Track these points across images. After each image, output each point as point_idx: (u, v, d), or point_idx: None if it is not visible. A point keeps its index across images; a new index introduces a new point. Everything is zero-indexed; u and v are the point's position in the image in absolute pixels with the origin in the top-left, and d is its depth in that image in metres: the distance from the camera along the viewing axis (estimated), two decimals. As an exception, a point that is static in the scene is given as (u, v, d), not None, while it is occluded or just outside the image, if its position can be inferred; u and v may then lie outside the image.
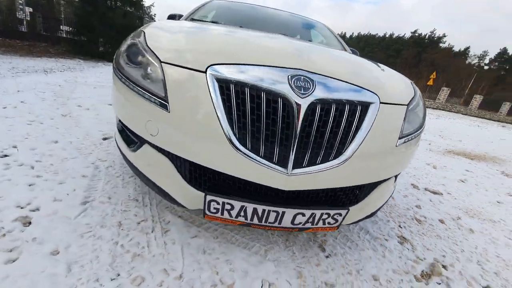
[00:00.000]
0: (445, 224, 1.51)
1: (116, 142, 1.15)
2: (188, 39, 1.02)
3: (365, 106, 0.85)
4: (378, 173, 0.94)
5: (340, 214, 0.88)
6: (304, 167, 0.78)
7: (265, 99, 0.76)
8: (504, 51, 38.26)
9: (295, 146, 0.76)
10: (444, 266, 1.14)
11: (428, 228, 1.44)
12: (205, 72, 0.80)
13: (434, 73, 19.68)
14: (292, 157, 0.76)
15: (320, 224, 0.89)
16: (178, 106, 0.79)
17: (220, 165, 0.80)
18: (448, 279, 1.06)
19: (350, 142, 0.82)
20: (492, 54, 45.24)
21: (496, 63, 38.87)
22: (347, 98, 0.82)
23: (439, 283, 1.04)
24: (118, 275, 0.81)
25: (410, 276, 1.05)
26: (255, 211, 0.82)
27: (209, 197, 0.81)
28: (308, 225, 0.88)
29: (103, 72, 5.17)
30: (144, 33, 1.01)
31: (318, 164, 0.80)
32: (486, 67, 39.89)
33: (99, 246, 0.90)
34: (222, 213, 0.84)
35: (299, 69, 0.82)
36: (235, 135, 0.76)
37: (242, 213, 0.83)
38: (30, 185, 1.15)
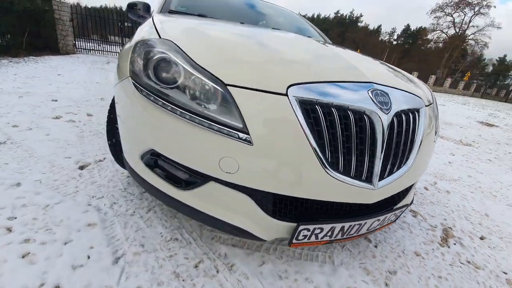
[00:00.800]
0: (430, 191, 1.85)
1: (137, 176, 0.93)
2: (235, 49, 0.86)
3: (418, 111, 0.92)
4: (425, 167, 1.06)
5: (402, 210, 0.97)
6: (385, 178, 0.81)
7: (353, 118, 0.73)
8: (407, 28, 46.49)
9: (381, 161, 0.77)
10: (450, 228, 1.41)
11: (422, 197, 1.73)
12: (286, 94, 0.70)
13: (359, 50, 22.51)
14: (378, 172, 0.78)
15: (386, 223, 0.97)
16: (262, 137, 0.68)
17: (313, 193, 0.74)
18: (459, 239, 1.32)
19: (413, 147, 0.88)
20: (399, 31, 54.32)
21: (402, 38, 47.14)
22: (409, 107, 0.87)
23: (455, 244, 1.29)
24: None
25: (436, 244, 1.27)
26: (342, 228, 0.82)
27: (301, 227, 0.76)
28: (378, 227, 0.94)
29: (18, 73, 3.93)
30: (171, 41, 0.80)
31: (394, 173, 0.84)
32: (395, 42, 47.92)
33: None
34: (310, 238, 0.81)
35: (371, 82, 0.82)
36: (327, 160, 0.72)
37: (329, 233, 0.82)
38: (23, 258, 0.84)
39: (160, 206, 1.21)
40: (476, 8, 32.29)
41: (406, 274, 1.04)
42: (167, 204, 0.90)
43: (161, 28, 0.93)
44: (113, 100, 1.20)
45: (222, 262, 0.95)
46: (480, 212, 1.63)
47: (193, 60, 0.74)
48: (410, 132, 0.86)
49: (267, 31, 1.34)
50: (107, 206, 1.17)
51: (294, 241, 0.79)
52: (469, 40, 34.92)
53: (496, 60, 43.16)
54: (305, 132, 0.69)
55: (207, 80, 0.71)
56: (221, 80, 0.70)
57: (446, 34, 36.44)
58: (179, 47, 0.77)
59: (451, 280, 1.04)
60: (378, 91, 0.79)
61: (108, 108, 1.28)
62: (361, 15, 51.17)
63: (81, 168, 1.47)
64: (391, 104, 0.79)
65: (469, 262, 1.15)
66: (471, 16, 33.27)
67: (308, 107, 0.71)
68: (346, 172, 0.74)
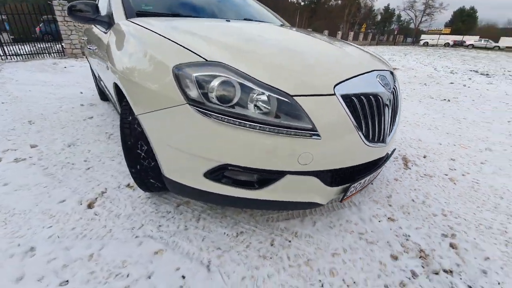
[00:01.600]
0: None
1: (197, 192, 0.99)
2: (275, 60, 0.96)
3: (398, 84, 1.25)
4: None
5: (392, 154, 1.36)
6: (389, 136, 1.14)
7: (374, 100, 0.99)
8: None
9: (388, 125, 1.09)
10: (405, 156, 1.98)
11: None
12: (334, 94, 0.89)
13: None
14: (387, 133, 1.09)
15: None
16: (325, 130, 0.87)
17: (358, 160, 1.00)
18: (413, 161, 1.90)
19: (398, 109, 1.23)
20: None
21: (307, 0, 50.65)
22: (394, 83, 1.19)
23: (412, 165, 1.85)
24: None
25: (402, 169, 1.79)
26: (366, 180, 1.13)
27: (352, 186, 1.03)
28: (380, 171, 1.31)
29: None
30: (224, 63, 0.85)
31: (392, 130, 1.17)
32: (302, 3, 51.02)
33: None
34: (352, 192, 1.09)
35: (374, 70, 1.07)
36: (364, 135, 0.97)
37: (361, 185, 1.12)
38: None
39: (206, 212, 1.28)
40: None
41: (396, 194, 1.50)
42: (239, 206, 1.02)
43: (188, 45, 0.92)
44: (129, 127, 1.11)
45: (287, 233, 1.16)
46: (415, 139, 2.30)
47: (256, 79, 0.82)
48: (398, 100, 1.20)
49: (274, 31, 1.43)
50: (155, 230, 1.17)
51: (345, 197, 1.07)
52: None
53: (383, 9, 51.87)
54: (350, 119, 0.91)
55: (275, 95, 0.82)
56: (286, 93, 0.82)
57: None
58: (236, 69, 0.83)
59: (421, 189, 1.57)
60: (381, 76, 1.07)
61: (121, 134, 1.18)
62: None
63: (90, 206, 1.33)
64: (389, 83, 1.09)
65: (425, 175, 1.72)
66: None
67: (347, 100, 0.92)
68: (373, 140, 1.02)
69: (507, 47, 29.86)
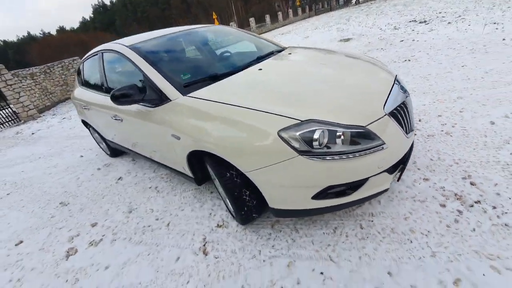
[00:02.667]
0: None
1: (305, 211, 1.32)
2: (333, 99, 1.32)
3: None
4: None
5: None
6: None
7: (403, 105, 1.38)
8: None
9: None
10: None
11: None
12: (385, 114, 1.26)
13: (215, 15, 22.90)
14: (413, 123, 1.51)
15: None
16: (389, 140, 1.23)
17: (405, 149, 1.40)
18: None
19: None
20: None
21: None
22: (403, 85, 1.59)
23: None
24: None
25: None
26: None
27: (405, 170, 1.43)
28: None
29: None
30: (314, 119, 1.16)
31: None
32: None
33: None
34: (403, 174, 1.50)
35: (393, 83, 1.46)
36: (405, 132, 1.36)
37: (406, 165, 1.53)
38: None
39: (298, 224, 1.61)
40: None
41: (417, 159, 1.96)
42: (336, 210, 1.36)
43: (275, 111, 1.21)
44: (231, 182, 1.39)
45: (366, 216, 1.55)
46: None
47: (339, 123, 1.15)
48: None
49: (308, 68, 1.75)
50: (273, 250, 1.47)
51: (400, 177, 1.47)
52: None
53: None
54: (397, 125, 1.30)
55: (355, 130, 1.16)
56: (361, 126, 1.17)
57: None
58: (324, 120, 1.15)
59: (432, 148, 2.05)
60: (400, 85, 1.46)
61: (224, 189, 1.46)
62: None
63: (205, 253, 1.58)
64: (404, 87, 1.49)
65: (428, 136, 2.22)
66: None
67: (392, 113, 1.30)
68: (407, 132, 1.42)
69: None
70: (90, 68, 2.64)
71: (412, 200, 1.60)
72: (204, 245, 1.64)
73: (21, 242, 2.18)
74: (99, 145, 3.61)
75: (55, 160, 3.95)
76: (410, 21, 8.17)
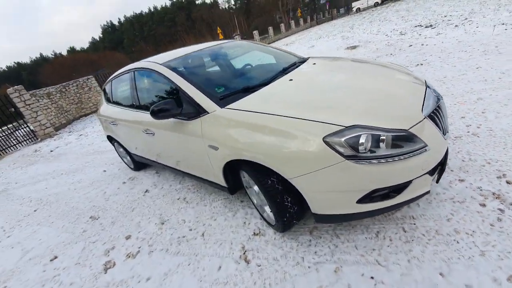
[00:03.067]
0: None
1: (349, 215, 1.34)
2: (374, 105, 1.37)
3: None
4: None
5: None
6: None
7: (439, 108, 1.42)
8: None
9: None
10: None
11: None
12: (425, 117, 1.30)
13: (219, 30, 23.69)
14: (447, 125, 1.53)
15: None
16: (430, 142, 1.26)
17: (443, 151, 1.41)
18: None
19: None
20: None
21: (238, 1, 52.51)
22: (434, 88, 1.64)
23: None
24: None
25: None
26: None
27: (443, 170, 1.44)
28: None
29: None
30: (359, 125, 1.21)
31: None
32: (234, 7, 52.83)
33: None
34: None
35: (426, 88, 1.51)
36: (442, 134, 1.39)
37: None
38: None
39: (337, 229, 1.62)
40: None
41: (449, 161, 1.97)
42: (379, 214, 1.37)
43: (318, 118, 1.26)
44: (273, 189, 1.42)
45: (407, 219, 1.55)
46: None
47: (382, 128, 1.20)
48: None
49: (338, 76, 1.84)
50: (317, 257, 1.48)
51: (439, 178, 1.48)
52: None
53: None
54: (436, 128, 1.33)
55: (399, 133, 1.20)
56: (405, 129, 1.21)
57: None
58: (367, 125, 1.19)
59: (462, 149, 2.06)
60: (432, 89, 1.51)
61: (266, 196, 1.49)
62: None
63: (247, 261, 1.59)
64: (435, 90, 1.53)
65: (456, 137, 2.23)
66: None
67: (430, 116, 1.33)
68: (444, 133, 1.44)
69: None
70: (120, 86, 2.78)
71: (451, 202, 1.60)
72: (244, 253, 1.65)
73: (56, 257, 2.23)
74: (122, 159, 3.72)
75: (78, 175, 4.06)
76: (415, 26, 8.30)
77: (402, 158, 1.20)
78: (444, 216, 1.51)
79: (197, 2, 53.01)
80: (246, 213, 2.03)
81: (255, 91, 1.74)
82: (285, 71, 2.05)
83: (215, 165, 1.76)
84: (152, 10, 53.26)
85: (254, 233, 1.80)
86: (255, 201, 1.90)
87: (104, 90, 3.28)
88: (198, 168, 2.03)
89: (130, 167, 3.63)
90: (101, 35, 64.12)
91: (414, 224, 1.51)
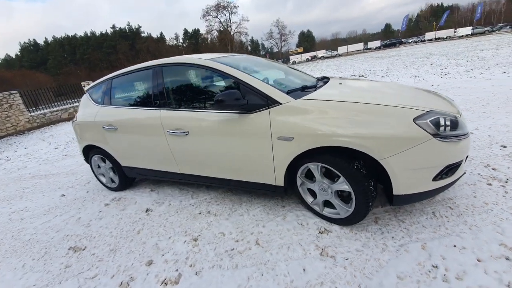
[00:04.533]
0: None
1: (424, 193, 1.52)
2: (428, 99, 1.70)
3: None
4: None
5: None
6: None
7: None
8: (186, 31, 54.33)
9: None
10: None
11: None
12: (460, 113, 1.68)
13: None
14: None
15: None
16: (468, 131, 1.63)
17: None
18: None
19: None
20: (180, 34, 61.35)
21: (187, 40, 54.51)
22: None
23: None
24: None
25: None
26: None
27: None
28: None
29: None
30: (434, 110, 1.46)
31: None
32: (184, 45, 54.43)
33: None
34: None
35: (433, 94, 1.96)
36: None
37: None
38: None
39: (400, 214, 1.75)
40: (230, 10, 45.94)
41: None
42: (442, 191, 1.58)
43: (405, 105, 1.47)
44: (359, 175, 1.49)
45: (448, 202, 1.83)
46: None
47: (449, 113, 1.49)
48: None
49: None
50: (402, 241, 1.54)
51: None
52: (235, 33, 49.24)
53: (249, 41, 62.62)
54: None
55: (457, 119, 1.50)
56: (457, 116, 1.53)
57: (220, 32, 48.67)
58: (440, 111, 1.46)
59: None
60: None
61: (352, 185, 1.52)
62: (139, 26, 52.17)
63: (334, 258, 1.49)
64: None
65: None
66: (229, 16, 46.77)
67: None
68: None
69: (347, 52, 42.97)
70: (130, 84, 2.42)
71: (467, 185, 1.99)
72: (323, 250, 1.55)
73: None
74: (98, 178, 2.98)
75: (18, 203, 2.97)
76: (351, 75, 10.49)
77: (461, 138, 1.50)
78: (470, 195, 1.87)
79: (142, 34, 52.35)
80: (296, 216, 1.94)
81: (313, 91, 1.85)
82: (322, 79, 2.28)
83: (280, 160, 1.70)
84: (88, 34, 48.99)
85: (320, 232, 1.73)
86: (310, 200, 1.87)
87: (90, 92, 2.75)
88: (248, 167, 1.88)
89: (109, 187, 2.93)
90: (18, 53, 53.67)
91: (455, 203, 1.80)
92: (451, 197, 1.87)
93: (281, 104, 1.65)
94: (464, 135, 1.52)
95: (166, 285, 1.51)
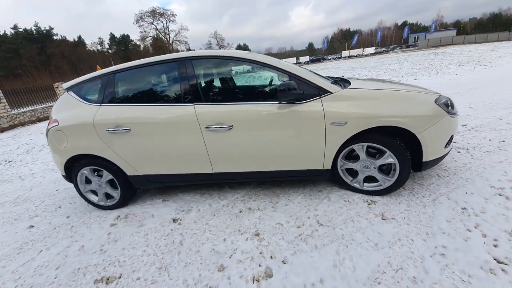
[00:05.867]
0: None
1: (437, 162, 1.99)
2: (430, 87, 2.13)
3: None
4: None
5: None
6: None
7: None
8: (112, 36, 47.99)
9: None
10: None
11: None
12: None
13: (99, 67, 20.43)
14: None
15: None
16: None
17: None
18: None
19: None
20: (106, 39, 53.77)
21: (114, 46, 48.26)
22: None
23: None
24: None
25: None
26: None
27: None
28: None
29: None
30: (439, 93, 1.92)
31: None
32: (110, 51, 47.98)
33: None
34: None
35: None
36: None
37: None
38: (483, 212, 1.68)
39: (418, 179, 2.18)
40: (168, 18, 43.70)
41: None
42: (446, 156, 2.10)
43: (420, 91, 1.89)
44: (402, 148, 1.82)
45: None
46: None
47: (448, 97, 2.00)
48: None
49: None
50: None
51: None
52: (175, 41, 46.92)
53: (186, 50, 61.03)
54: None
55: (451, 101, 2.05)
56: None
57: (155, 39, 45.50)
58: (444, 95, 1.94)
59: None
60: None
61: (398, 158, 1.82)
62: (51, 28, 43.26)
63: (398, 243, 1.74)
64: None
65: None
66: (166, 23, 44.28)
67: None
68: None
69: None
70: (145, 79, 2.12)
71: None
72: (383, 216, 1.79)
73: None
74: (85, 197, 2.40)
75: None
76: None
77: (456, 115, 2.04)
78: (451, 160, 2.51)
79: (55, 37, 43.14)
80: (339, 196, 2.14)
81: (349, 84, 2.13)
82: (342, 79, 2.61)
83: (331, 144, 1.88)
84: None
85: (368, 203, 1.97)
86: (350, 179, 2.11)
87: (77, 90, 2.25)
88: (298, 155, 1.97)
89: (102, 206, 2.42)
90: None
91: (446, 166, 2.39)
92: (441, 163, 2.46)
93: (331, 93, 1.85)
94: (457, 113, 2.08)
95: (259, 281, 1.42)
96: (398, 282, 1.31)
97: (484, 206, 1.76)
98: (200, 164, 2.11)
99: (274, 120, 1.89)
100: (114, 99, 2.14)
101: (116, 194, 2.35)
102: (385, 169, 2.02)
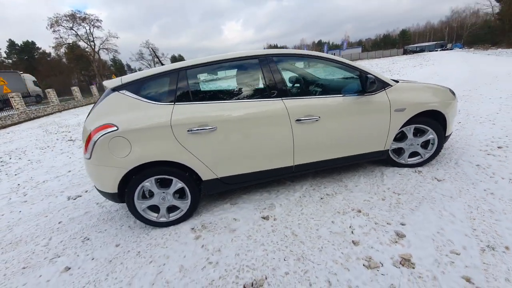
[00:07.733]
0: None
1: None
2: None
3: None
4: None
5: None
6: None
7: None
8: (12, 43, 37.96)
9: None
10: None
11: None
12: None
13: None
14: None
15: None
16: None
17: None
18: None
19: None
20: (3, 47, 41.80)
21: (15, 54, 38.04)
22: None
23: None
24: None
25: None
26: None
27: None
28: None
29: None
30: (447, 88, 2.65)
31: None
32: (9, 61, 37.55)
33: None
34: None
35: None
36: None
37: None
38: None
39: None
40: (91, 23, 37.21)
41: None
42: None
43: (434, 84, 2.56)
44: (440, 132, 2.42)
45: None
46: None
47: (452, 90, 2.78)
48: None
49: None
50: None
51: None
52: (102, 49, 40.28)
53: (111, 60, 53.84)
54: None
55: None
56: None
57: (72, 47, 38.09)
58: (450, 88, 2.69)
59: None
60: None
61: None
62: None
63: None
64: None
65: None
66: (89, 29, 37.67)
67: None
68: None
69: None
70: (222, 75, 2.00)
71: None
72: (438, 180, 2.31)
73: None
74: (141, 216, 2.00)
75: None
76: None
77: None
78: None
79: None
80: (391, 171, 2.56)
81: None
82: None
83: (393, 127, 2.31)
84: None
85: (418, 173, 2.47)
86: (396, 157, 2.59)
87: (135, 89, 1.92)
88: (366, 139, 2.30)
89: (162, 222, 2.09)
90: None
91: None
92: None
93: (391, 86, 2.29)
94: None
95: (397, 242, 1.63)
96: (483, 215, 1.78)
97: (498, 180, 2.25)
98: (283, 158, 2.15)
99: (354, 110, 2.16)
100: (189, 97, 1.95)
101: (184, 205, 2.08)
102: (424, 145, 2.58)
